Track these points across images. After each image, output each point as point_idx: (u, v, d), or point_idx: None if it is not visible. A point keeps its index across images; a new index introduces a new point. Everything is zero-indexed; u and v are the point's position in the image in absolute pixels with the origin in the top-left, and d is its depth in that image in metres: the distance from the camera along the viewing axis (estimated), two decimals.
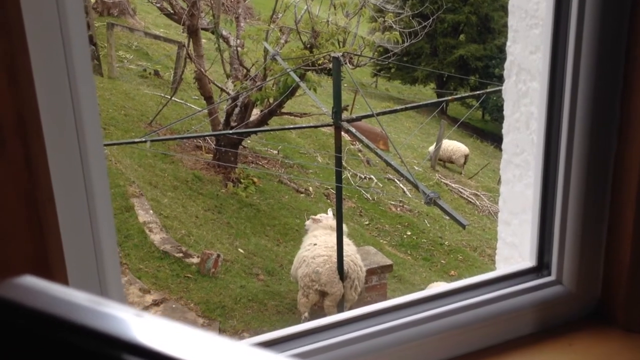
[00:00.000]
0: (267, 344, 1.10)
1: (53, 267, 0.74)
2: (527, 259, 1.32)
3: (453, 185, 16.00)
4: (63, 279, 0.77)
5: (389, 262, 8.65)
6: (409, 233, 12.55)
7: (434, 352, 1.18)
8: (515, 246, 1.40)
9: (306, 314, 7.70)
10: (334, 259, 7.64)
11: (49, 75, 0.73)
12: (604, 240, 1.25)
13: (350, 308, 7.90)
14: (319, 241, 7.95)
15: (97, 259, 0.82)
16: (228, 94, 11.64)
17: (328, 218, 8.39)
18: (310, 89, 10.04)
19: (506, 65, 1.37)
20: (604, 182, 1.21)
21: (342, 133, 8.01)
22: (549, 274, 1.27)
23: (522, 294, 1.24)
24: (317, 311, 7.83)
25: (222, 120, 11.92)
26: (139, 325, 0.31)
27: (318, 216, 8.57)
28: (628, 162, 1.18)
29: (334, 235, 7.83)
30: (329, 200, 12.88)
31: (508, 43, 1.36)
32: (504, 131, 1.41)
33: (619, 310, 1.25)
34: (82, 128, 0.76)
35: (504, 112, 1.41)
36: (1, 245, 0.70)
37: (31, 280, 0.34)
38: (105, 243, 0.82)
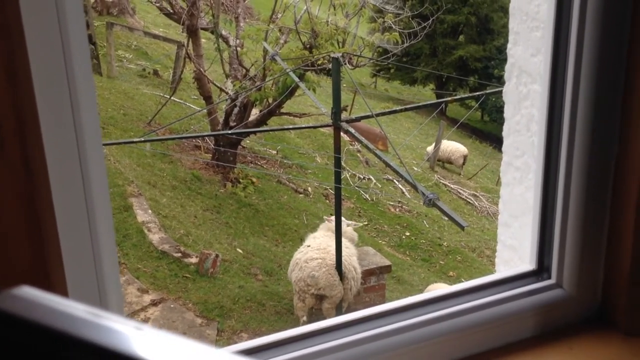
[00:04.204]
0: (265, 347, 1.09)
1: (51, 269, 0.74)
2: (527, 262, 1.32)
3: (452, 185, 16.01)
4: (61, 281, 0.76)
5: (387, 262, 8.64)
6: (407, 234, 12.55)
7: (434, 356, 1.17)
8: (515, 249, 1.40)
9: (304, 318, 7.66)
10: (329, 261, 7.60)
11: (48, 75, 0.72)
12: (604, 243, 1.24)
13: (348, 308, 7.90)
14: (313, 243, 7.90)
15: (95, 261, 0.81)
16: (227, 93, 11.63)
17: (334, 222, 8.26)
18: (309, 89, 10.04)
19: (507, 67, 1.36)
20: (605, 185, 1.21)
21: (341, 133, 8.01)
22: (549, 277, 1.27)
23: (522, 297, 1.23)
24: (315, 313, 7.81)
25: (221, 120, 11.91)
26: (139, 338, 0.31)
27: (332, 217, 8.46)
28: (629, 165, 1.18)
29: (333, 237, 7.80)
30: (327, 201, 12.88)
31: (509, 45, 1.35)
32: (504, 134, 1.41)
33: (619, 314, 1.24)
34: (81, 129, 0.75)
35: (505, 115, 1.40)
36: (0, 246, 0.70)
37: (28, 291, 0.33)
38: (103, 245, 0.81)
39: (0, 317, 0.31)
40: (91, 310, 0.32)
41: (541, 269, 1.28)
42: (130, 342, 0.30)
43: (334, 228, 8.06)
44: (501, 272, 1.32)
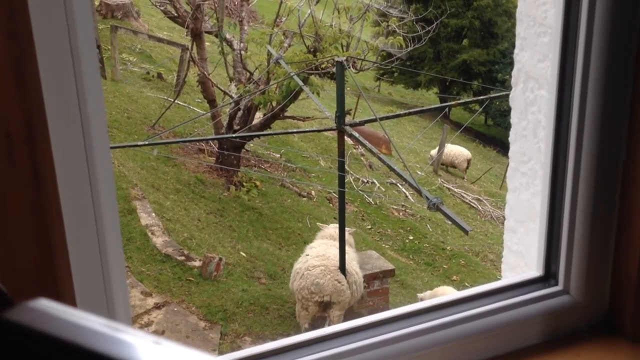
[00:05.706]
0: (269, 354, 1.09)
1: (59, 276, 0.74)
2: (533, 268, 1.31)
3: (455, 189, 15.99)
4: (69, 289, 0.76)
5: (391, 266, 8.63)
6: (411, 237, 12.54)
7: None
8: (521, 255, 1.39)
9: (306, 326, 7.63)
10: (331, 267, 7.58)
11: (57, 82, 0.72)
12: (611, 249, 1.24)
13: (351, 312, 7.88)
14: (312, 252, 7.87)
15: (103, 269, 0.81)
16: (231, 97, 11.65)
17: (335, 228, 8.26)
18: (313, 93, 10.04)
19: (514, 73, 1.36)
20: (612, 191, 1.20)
21: (345, 137, 8.00)
22: (556, 284, 1.26)
23: (529, 303, 1.23)
24: (319, 322, 7.78)
25: (225, 123, 11.93)
26: (158, 352, 0.30)
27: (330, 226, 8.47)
28: (637, 171, 1.17)
29: (332, 244, 7.79)
30: (331, 205, 12.88)
31: (516, 51, 1.35)
32: (510, 139, 1.41)
33: (626, 320, 1.24)
34: (89, 136, 0.75)
35: (511, 120, 1.40)
36: (8, 253, 0.69)
37: (45, 304, 0.33)
38: (111, 252, 0.81)
39: (17, 330, 0.31)
40: (109, 324, 0.31)
41: (548, 276, 1.28)
42: (149, 357, 0.30)
43: (330, 235, 8.05)
44: (508, 278, 1.32)
